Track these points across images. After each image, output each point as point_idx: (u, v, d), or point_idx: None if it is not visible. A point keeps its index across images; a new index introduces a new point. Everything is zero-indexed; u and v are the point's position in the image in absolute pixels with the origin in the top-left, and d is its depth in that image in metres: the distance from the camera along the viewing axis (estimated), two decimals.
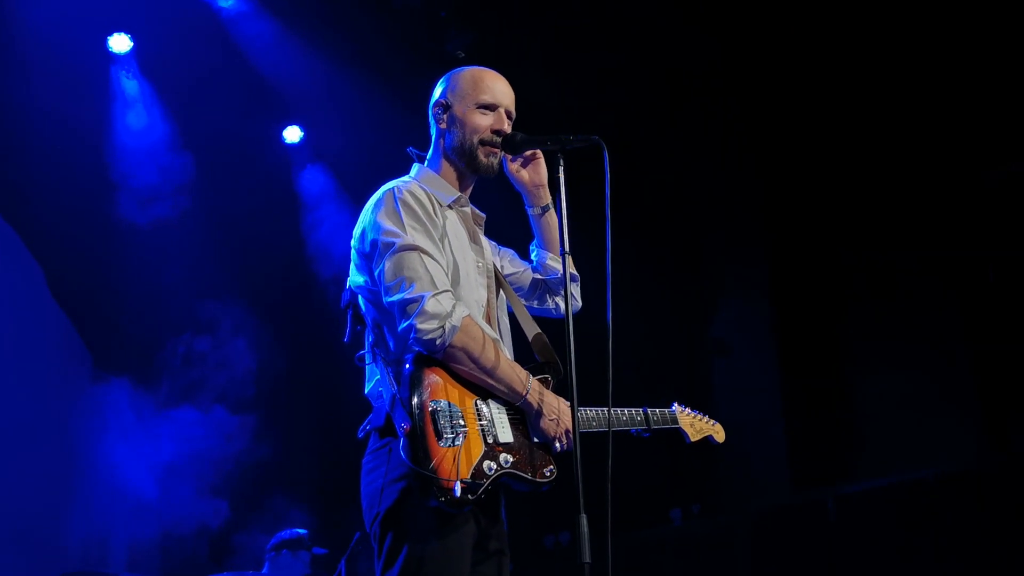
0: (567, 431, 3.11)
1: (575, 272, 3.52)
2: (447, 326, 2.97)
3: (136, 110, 7.67)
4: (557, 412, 3.13)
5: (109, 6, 7.14)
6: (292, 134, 8.34)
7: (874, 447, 7.73)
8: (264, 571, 6.61)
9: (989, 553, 6.69)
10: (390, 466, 3.01)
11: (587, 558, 2.82)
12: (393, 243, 3.06)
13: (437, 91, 3.39)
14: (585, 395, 3.02)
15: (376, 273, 3.09)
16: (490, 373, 3.05)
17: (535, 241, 3.64)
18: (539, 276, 3.60)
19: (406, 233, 3.07)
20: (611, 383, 3.04)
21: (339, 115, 7.91)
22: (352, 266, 3.25)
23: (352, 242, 3.24)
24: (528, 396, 3.10)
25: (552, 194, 3.53)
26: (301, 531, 6.84)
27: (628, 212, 3.57)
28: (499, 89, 3.35)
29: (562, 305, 3.53)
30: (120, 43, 7.42)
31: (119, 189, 7.74)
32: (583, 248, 3.38)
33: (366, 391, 3.23)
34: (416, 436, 2.89)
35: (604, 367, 2.98)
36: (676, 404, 3.64)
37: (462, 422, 2.97)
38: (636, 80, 7.74)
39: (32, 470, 7.57)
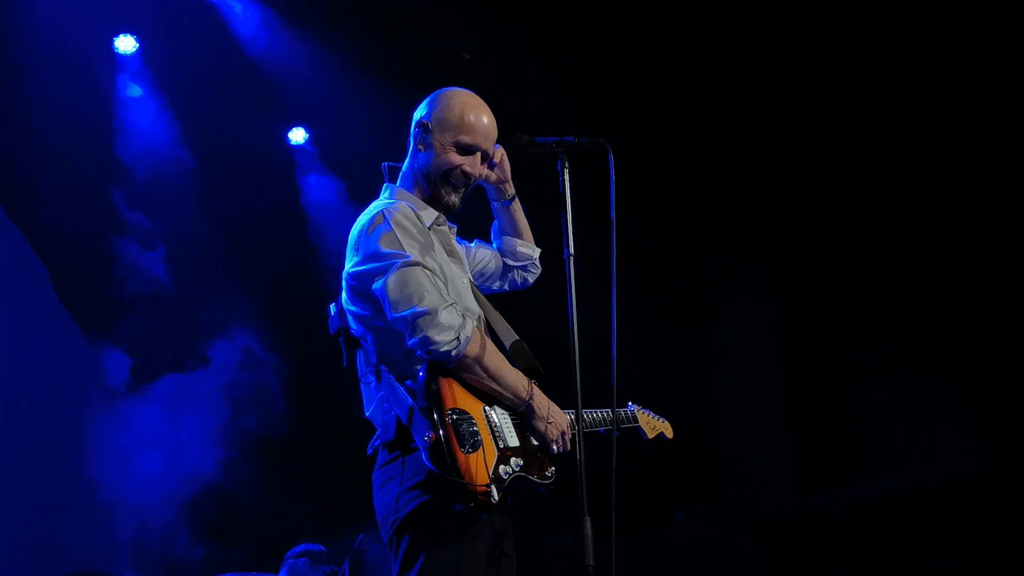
0: (563, 434, 3.20)
1: (536, 256, 3.77)
2: (461, 337, 3.00)
3: (141, 112, 7.68)
4: (553, 415, 3.21)
5: (115, 8, 7.15)
6: (297, 135, 8.36)
7: (879, 452, 7.72)
8: (281, 574, 6.62)
9: (993, 560, 6.68)
10: (404, 476, 3.03)
11: (591, 560, 2.83)
12: (395, 261, 3.06)
13: (423, 108, 3.36)
14: (586, 397, 3.05)
15: (378, 290, 3.08)
16: (498, 380, 3.11)
17: (496, 227, 3.75)
18: (509, 261, 3.74)
19: (405, 251, 3.08)
20: (615, 384, 3.10)
21: (344, 116, 7.91)
22: (344, 293, 3.24)
23: (345, 268, 3.22)
24: (531, 401, 3.16)
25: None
26: (323, 547, 6.84)
27: (631, 214, 3.60)
28: (482, 129, 3.31)
29: (530, 279, 3.83)
30: (126, 44, 7.43)
31: (124, 190, 7.75)
32: (585, 250, 3.38)
33: (367, 414, 3.24)
34: (441, 445, 2.90)
35: (606, 370, 3.00)
36: (631, 403, 3.81)
37: (476, 429, 3.00)
38: (639, 80, 7.73)
39: (36, 469, 7.58)
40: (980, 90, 6.91)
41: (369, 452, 3.20)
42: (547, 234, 3.71)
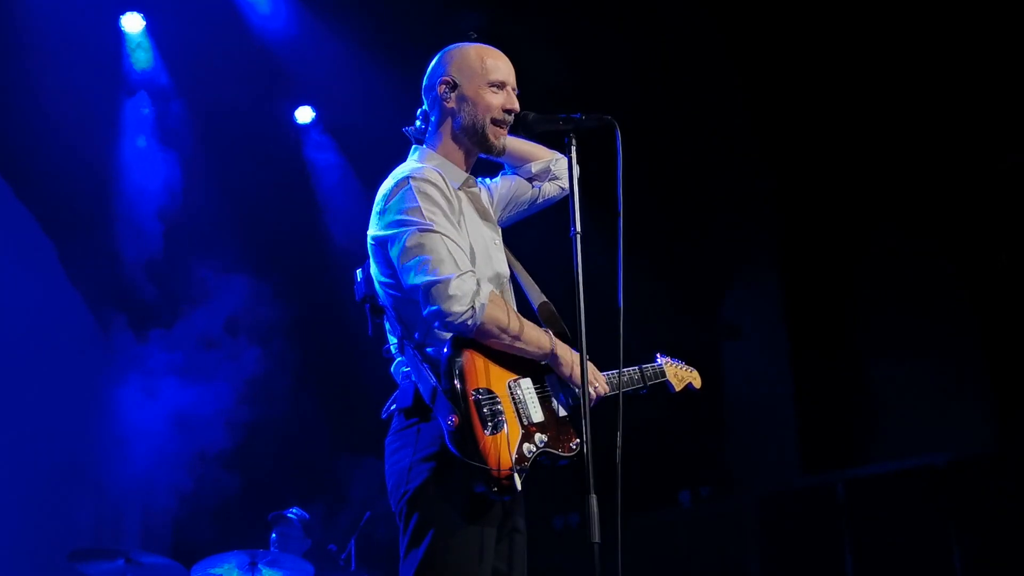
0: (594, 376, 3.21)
1: (553, 160, 3.62)
2: (476, 305, 2.97)
3: (147, 90, 7.68)
4: (578, 361, 3.14)
5: None
6: (304, 114, 8.33)
7: (885, 430, 7.71)
8: (272, 549, 6.65)
9: (999, 538, 6.68)
10: (418, 446, 3.02)
11: (596, 538, 2.83)
12: (412, 228, 3.04)
13: (439, 68, 3.34)
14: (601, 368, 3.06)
15: (395, 256, 3.07)
16: (520, 339, 3.08)
17: (509, 171, 3.65)
18: (536, 182, 3.63)
19: (424, 217, 3.05)
20: (621, 364, 3.12)
21: (350, 95, 7.89)
22: (371, 258, 3.23)
23: (369, 233, 3.21)
24: (555, 350, 3.15)
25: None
26: (293, 510, 6.85)
27: (637, 193, 3.57)
28: (504, 66, 3.33)
29: (565, 186, 3.58)
30: (133, 22, 7.42)
31: (129, 168, 7.76)
32: (592, 229, 3.38)
33: (392, 369, 3.23)
34: (464, 429, 2.88)
35: (614, 346, 3.00)
36: (659, 356, 3.73)
37: (500, 407, 2.98)
38: (648, 58, 7.70)
39: (44, 446, 7.61)
40: (997, 71, 6.87)
41: (384, 416, 3.19)
42: (554, 213, 3.69)
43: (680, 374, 3.75)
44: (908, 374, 7.58)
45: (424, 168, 3.21)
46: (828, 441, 7.97)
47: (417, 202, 3.07)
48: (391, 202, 3.12)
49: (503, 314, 3.04)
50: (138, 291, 7.93)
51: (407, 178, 3.14)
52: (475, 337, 3.02)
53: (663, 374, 3.67)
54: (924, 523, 6.99)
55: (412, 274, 3.01)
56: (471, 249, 3.16)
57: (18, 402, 7.42)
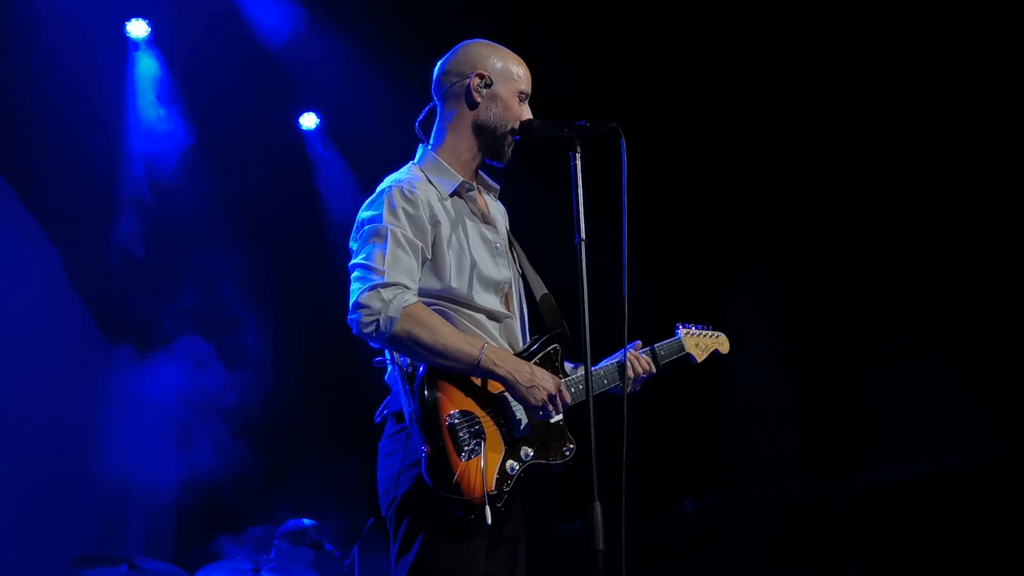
0: (550, 396, 2.98)
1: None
2: (382, 318, 2.89)
3: (153, 97, 7.69)
4: (533, 377, 2.99)
5: None
6: (308, 120, 8.34)
7: (888, 437, 7.70)
8: (272, 555, 6.65)
9: (1003, 547, 6.67)
10: (407, 451, 2.99)
11: (600, 545, 2.82)
12: (373, 227, 3.07)
13: (471, 58, 3.31)
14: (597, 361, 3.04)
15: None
16: (441, 352, 2.91)
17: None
18: None
19: (383, 221, 3.06)
20: (625, 380, 3.16)
21: (355, 102, 7.90)
22: None
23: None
24: (482, 363, 2.93)
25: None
26: (308, 523, 6.84)
27: (641, 200, 3.55)
28: (530, 80, 3.34)
29: None
30: (138, 29, 7.43)
31: (135, 176, 7.77)
32: (597, 235, 3.37)
33: (385, 377, 3.22)
34: (435, 458, 2.85)
35: (617, 345, 2.98)
36: (680, 326, 3.60)
37: (480, 426, 2.94)
38: (650, 68, 7.71)
39: (47, 452, 7.60)
40: (990, 76, 6.87)
41: (377, 420, 3.17)
42: (559, 219, 3.69)
43: (703, 342, 3.61)
44: (911, 380, 7.56)
45: (413, 179, 3.18)
46: (832, 448, 7.95)
47: (382, 212, 3.08)
48: (362, 217, 3.16)
49: (418, 326, 2.90)
50: (140, 294, 7.94)
51: (387, 189, 3.14)
52: (388, 346, 2.96)
53: (681, 348, 3.55)
54: (927, 531, 6.98)
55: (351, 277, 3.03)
56: (470, 265, 3.12)
57: (20, 406, 7.41)
